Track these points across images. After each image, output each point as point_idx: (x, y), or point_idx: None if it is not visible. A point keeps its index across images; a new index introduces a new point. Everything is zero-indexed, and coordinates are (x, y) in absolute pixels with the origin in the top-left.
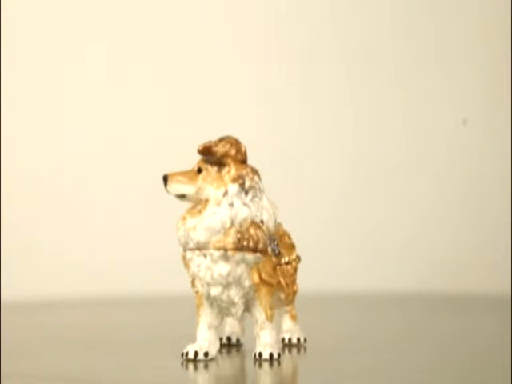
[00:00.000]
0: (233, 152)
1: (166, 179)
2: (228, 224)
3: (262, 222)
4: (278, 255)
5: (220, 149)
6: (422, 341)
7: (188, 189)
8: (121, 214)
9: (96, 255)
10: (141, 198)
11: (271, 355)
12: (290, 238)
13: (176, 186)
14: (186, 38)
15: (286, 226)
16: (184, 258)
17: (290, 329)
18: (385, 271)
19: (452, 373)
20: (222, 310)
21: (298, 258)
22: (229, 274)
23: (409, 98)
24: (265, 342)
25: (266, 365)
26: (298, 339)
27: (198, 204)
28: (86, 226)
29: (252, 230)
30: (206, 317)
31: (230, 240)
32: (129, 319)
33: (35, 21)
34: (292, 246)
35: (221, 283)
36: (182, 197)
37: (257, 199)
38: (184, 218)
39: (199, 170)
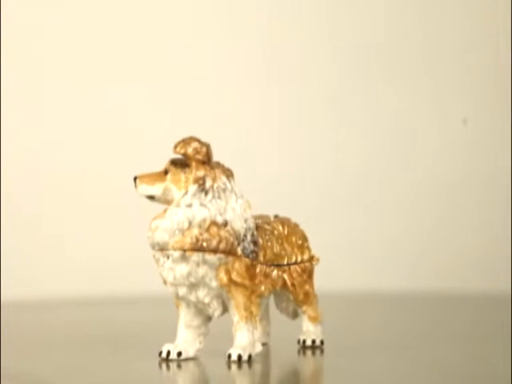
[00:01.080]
0: (191, 153)
1: (135, 180)
2: (186, 225)
3: (225, 222)
4: (255, 256)
5: (179, 150)
6: (425, 340)
7: (155, 190)
8: (120, 214)
9: (95, 255)
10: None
11: (239, 357)
12: (301, 238)
13: (144, 188)
14: (175, 40)
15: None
16: (154, 258)
17: (307, 330)
18: (385, 271)
19: (452, 373)
20: (200, 310)
21: (313, 259)
22: (189, 274)
23: (409, 99)
24: (237, 343)
25: (234, 366)
26: (313, 341)
27: (167, 205)
28: (86, 226)
29: (212, 231)
30: (184, 316)
31: (188, 241)
32: (126, 318)
33: (32, 22)
34: (301, 247)
35: (184, 283)
36: (150, 198)
37: (219, 200)
38: (152, 219)
39: (166, 172)
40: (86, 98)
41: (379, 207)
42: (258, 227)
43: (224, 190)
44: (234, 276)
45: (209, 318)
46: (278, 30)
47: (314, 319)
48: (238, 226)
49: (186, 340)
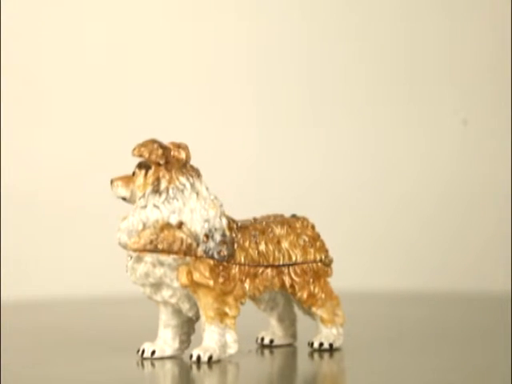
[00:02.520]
0: (147, 155)
1: (111, 183)
2: (140, 226)
3: (181, 223)
4: (224, 256)
5: (136, 153)
6: (424, 340)
7: (125, 192)
8: (120, 214)
9: (96, 255)
10: None
11: (198, 357)
12: (306, 238)
13: (115, 190)
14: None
15: None
16: None
17: (319, 332)
18: (384, 270)
19: (452, 373)
20: (179, 309)
21: (321, 261)
22: (147, 274)
23: (409, 100)
24: (203, 344)
25: (194, 367)
26: (321, 344)
27: None
28: (86, 226)
29: (166, 232)
30: (162, 316)
31: (142, 242)
32: (126, 317)
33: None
34: (305, 247)
35: (146, 283)
36: (123, 199)
37: (174, 200)
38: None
39: (133, 174)
40: (84, 98)
41: (380, 207)
42: (244, 227)
43: (182, 191)
44: (196, 277)
45: (192, 319)
46: (275, 34)
47: (327, 321)
48: (196, 226)
49: (165, 339)
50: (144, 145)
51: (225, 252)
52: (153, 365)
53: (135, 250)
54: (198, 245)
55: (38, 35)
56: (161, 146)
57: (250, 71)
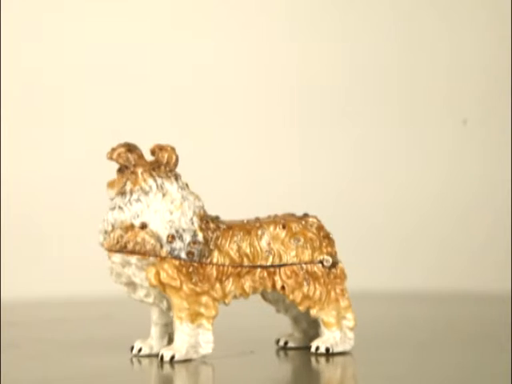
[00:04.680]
0: (116, 158)
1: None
2: (110, 227)
3: (144, 224)
4: (191, 256)
5: (108, 156)
6: (424, 340)
7: (111, 194)
8: None
9: (95, 254)
10: None
11: (161, 357)
12: (303, 238)
13: (108, 191)
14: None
15: None
16: None
17: (321, 335)
18: (383, 270)
19: (452, 372)
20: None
21: (320, 262)
22: (119, 274)
23: (409, 99)
24: (173, 344)
25: (166, 366)
26: (317, 348)
27: None
28: (86, 226)
29: (131, 233)
30: (152, 314)
31: (111, 242)
32: (126, 317)
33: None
34: (300, 247)
35: (122, 283)
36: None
37: (138, 202)
38: None
39: None
40: (84, 98)
41: (379, 207)
42: (228, 228)
43: (147, 193)
44: (163, 277)
45: None
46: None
47: (329, 324)
48: (159, 227)
49: (154, 337)
50: (114, 148)
51: (194, 252)
52: (139, 362)
53: (107, 250)
54: (162, 245)
55: (38, 38)
56: (129, 149)
57: (250, 72)
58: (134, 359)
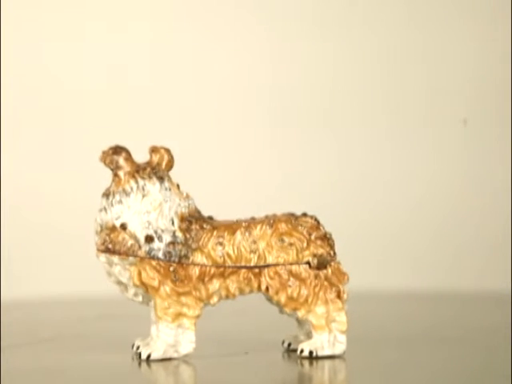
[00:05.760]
0: (103, 160)
1: None
2: (98, 228)
3: (124, 225)
4: (167, 257)
5: (99, 159)
6: (423, 341)
7: None
8: None
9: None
10: None
11: (139, 354)
12: (287, 239)
13: None
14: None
15: None
16: None
17: (310, 338)
18: (383, 270)
19: (451, 373)
20: None
21: (308, 263)
22: (110, 274)
23: (409, 99)
24: (152, 342)
25: (143, 365)
26: (301, 351)
27: None
28: (87, 225)
29: (114, 233)
30: (151, 314)
31: (99, 242)
32: (127, 316)
33: None
34: (285, 248)
35: (113, 282)
36: None
37: (119, 203)
38: None
39: None
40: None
41: (382, 209)
42: (212, 228)
43: (128, 194)
44: (144, 277)
45: None
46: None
47: (317, 327)
48: (137, 228)
49: (151, 335)
50: (104, 151)
51: (172, 253)
52: (131, 358)
53: (96, 250)
54: (140, 246)
55: (39, 40)
56: (115, 151)
57: (245, 72)
58: (135, 357)
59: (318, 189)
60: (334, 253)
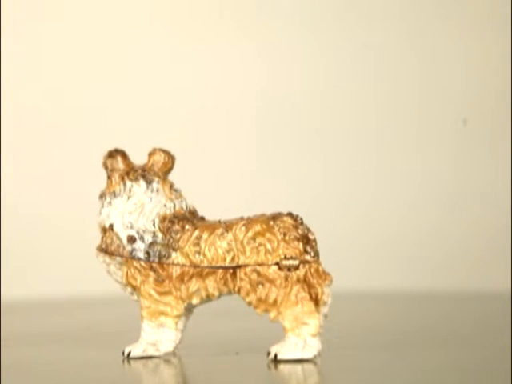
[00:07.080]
0: (103, 164)
1: None
2: (98, 228)
3: (111, 225)
4: (147, 257)
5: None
6: (423, 340)
7: None
8: None
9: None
10: None
11: (123, 352)
12: (260, 239)
13: None
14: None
15: None
16: None
17: (282, 340)
18: (382, 270)
19: (451, 373)
20: None
21: (277, 264)
22: (108, 273)
23: (409, 99)
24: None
25: (132, 362)
26: (268, 353)
27: None
28: (86, 225)
29: (106, 234)
30: None
31: (98, 243)
32: (127, 317)
33: None
34: (255, 248)
35: (113, 280)
36: None
37: (108, 205)
38: None
39: None
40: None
41: (378, 207)
42: (192, 229)
43: (116, 196)
44: (128, 277)
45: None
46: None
47: (285, 330)
48: (119, 229)
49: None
50: (103, 155)
51: (151, 253)
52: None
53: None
54: (124, 246)
55: (38, 43)
56: (110, 155)
57: (247, 76)
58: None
59: (312, 189)
60: (315, 254)
